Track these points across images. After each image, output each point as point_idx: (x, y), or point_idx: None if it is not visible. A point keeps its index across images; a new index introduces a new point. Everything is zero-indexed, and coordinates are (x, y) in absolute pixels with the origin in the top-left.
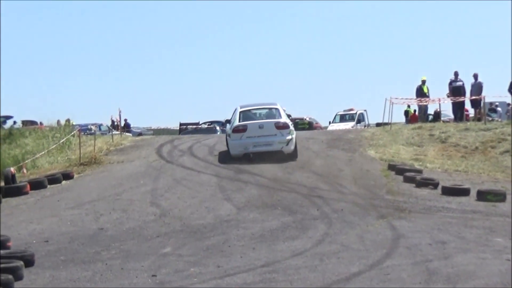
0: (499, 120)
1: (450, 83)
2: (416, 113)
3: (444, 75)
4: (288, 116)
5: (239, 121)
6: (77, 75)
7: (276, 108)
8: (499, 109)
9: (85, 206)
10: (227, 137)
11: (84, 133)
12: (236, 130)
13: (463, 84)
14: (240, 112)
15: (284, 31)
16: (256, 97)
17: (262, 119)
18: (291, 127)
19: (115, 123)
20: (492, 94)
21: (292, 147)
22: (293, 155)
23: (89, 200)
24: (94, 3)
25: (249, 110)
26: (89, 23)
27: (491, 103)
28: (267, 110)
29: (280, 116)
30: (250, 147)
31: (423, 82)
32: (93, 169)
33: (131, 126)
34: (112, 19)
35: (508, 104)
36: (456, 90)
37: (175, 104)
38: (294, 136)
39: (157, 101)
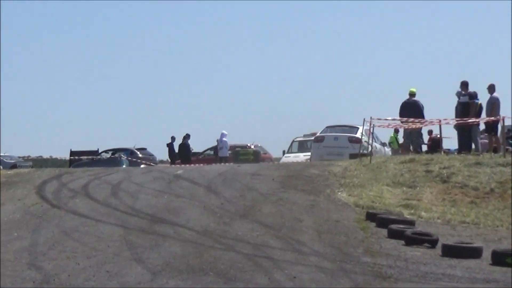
0: None
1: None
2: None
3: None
4: (383, 144)
5: (321, 133)
6: None
7: (356, 127)
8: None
9: None
10: None
11: None
12: (316, 140)
13: (473, 98)
14: (326, 127)
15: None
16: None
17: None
18: (364, 143)
19: None
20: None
21: None
22: None
23: None
24: None
25: (333, 126)
26: None
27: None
28: (348, 128)
29: (356, 133)
30: (324, 155)
31: (412, 95)
32: None
33: (3, 154)
34: None
35: None
36: (462, 108)
37: (64, 125)
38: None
39: (40, 120)
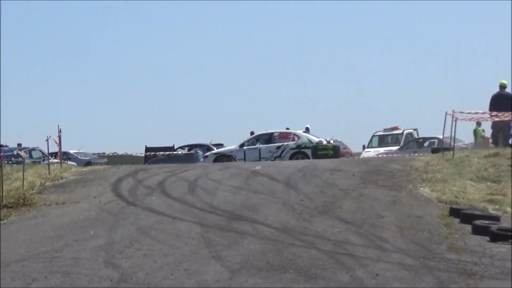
0: None
1: None
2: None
3: None
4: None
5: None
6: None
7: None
8: None
9: (11, 267)
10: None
11: (7, 162)
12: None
13: None
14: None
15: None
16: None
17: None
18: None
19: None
20: None
21: None
22: None
23: (16, 258)
24: None
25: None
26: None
27: None
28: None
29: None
30: None
31: (503, 87)
32: (22, 214)
33: (77, 151)
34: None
35: None
36: None
37: (139, 121)
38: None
39: (113, 116)
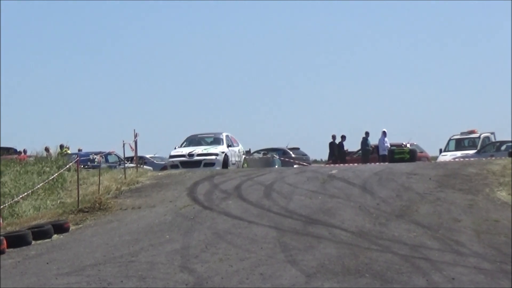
0: None
1: None
2: None
3: None
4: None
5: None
6: (77, 84)
7: None
8: None
9: (86, 272)
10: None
11: (84, 166)
12: None
13: None
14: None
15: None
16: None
17: None
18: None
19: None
20: None
21: None
22: None
23: (91, 262)
24: None
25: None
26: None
27: None
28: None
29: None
30: None
31: None
32: (98, 218)
33: (153, 156)
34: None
35: None
36: None
37: (214, 125)
38: None
39: (188, 120)
